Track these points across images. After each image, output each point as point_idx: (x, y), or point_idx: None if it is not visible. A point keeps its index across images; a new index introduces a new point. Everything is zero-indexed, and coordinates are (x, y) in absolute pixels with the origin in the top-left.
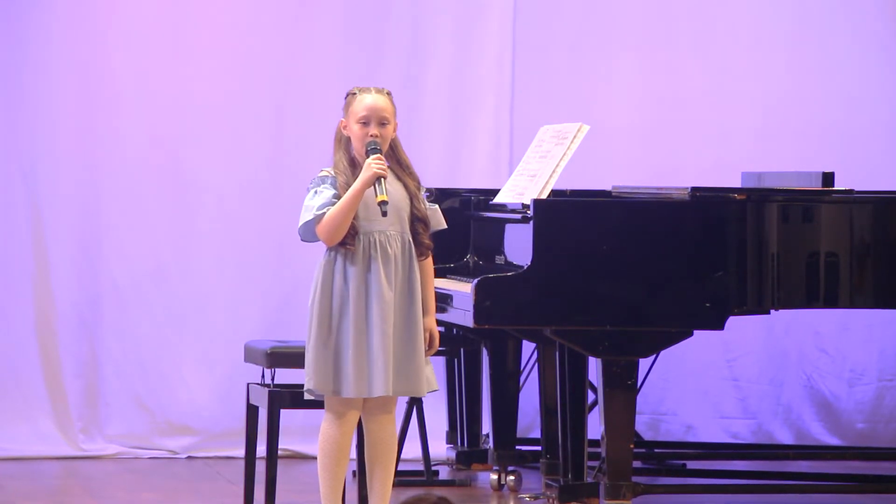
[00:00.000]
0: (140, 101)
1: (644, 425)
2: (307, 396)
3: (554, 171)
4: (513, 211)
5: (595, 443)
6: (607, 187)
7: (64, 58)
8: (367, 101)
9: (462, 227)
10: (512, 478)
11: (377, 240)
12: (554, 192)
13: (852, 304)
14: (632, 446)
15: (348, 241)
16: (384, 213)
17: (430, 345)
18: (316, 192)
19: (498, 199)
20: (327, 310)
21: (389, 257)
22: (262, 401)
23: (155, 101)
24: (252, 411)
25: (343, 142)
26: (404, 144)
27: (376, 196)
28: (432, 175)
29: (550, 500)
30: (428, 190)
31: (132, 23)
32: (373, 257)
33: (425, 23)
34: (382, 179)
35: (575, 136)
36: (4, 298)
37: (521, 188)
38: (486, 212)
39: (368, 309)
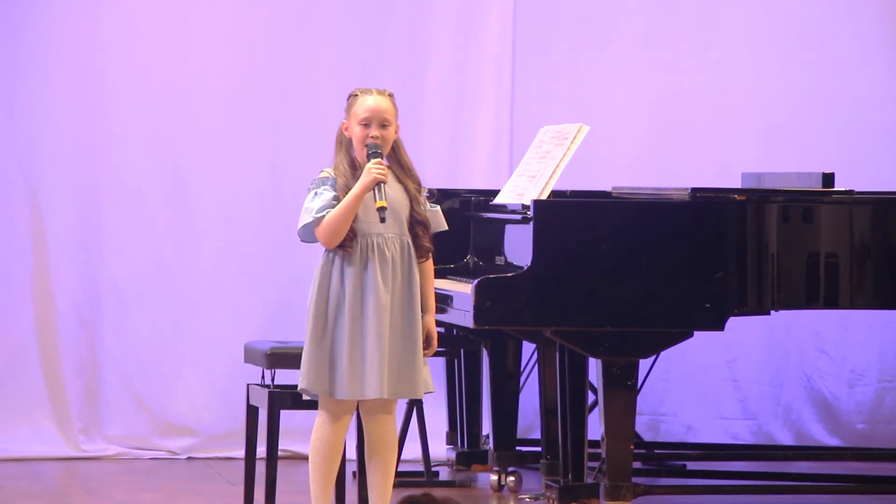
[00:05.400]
0: (140, 101)
1: (644, 426)
2: (305, 397)
3: (554, 172)
4: (513, 212)
5: (595, 443)
6: (607, 188)
7: (63, 58)
8: (369, 102)
9: (462, 228)
10: (512, 478)
11: (375, 242)
12: (554, 193)
13: (852, 305)
14: (632, 447)
15: (346, 243)
16: (382, 220)
17: (428, 345)
18: (316, 193)
19: (498, 200)
20: (323, 310)
21: (387, 259)
22: (262, 401)
23: (155, 101)
24: (252, 412)
25: (344, 143)
26: (404, 145)
27: (375, 201)
28: (432, 176)
29: (550, 501)
30: (430, 191)
31: (132, 23)
32: (370, 259)
33: (425, 23)
34: (382, 184)
35: (575, 137)
36: (4, 298)
37: (521, 189)
38: (487, 212)
39: (364, 310)
